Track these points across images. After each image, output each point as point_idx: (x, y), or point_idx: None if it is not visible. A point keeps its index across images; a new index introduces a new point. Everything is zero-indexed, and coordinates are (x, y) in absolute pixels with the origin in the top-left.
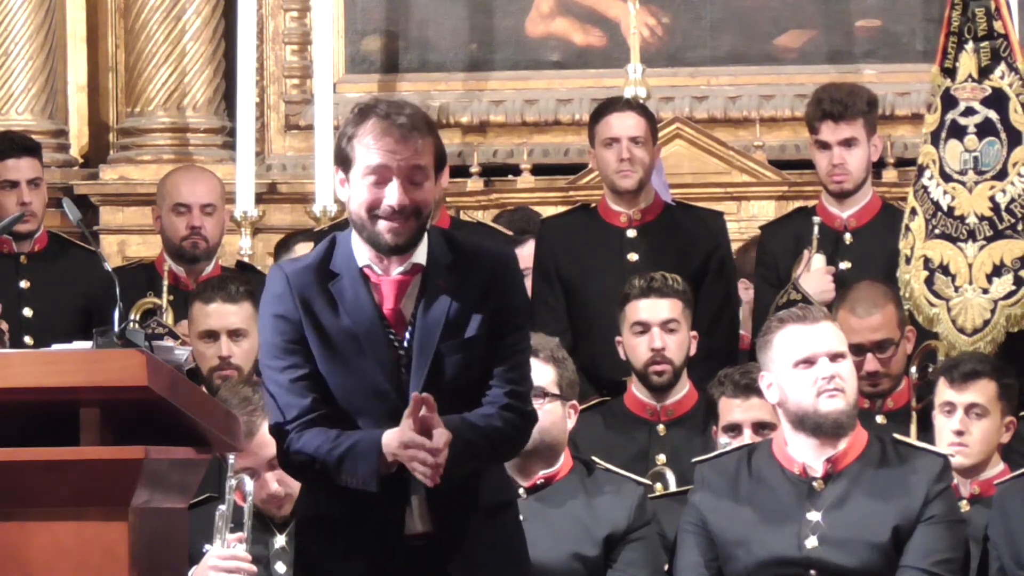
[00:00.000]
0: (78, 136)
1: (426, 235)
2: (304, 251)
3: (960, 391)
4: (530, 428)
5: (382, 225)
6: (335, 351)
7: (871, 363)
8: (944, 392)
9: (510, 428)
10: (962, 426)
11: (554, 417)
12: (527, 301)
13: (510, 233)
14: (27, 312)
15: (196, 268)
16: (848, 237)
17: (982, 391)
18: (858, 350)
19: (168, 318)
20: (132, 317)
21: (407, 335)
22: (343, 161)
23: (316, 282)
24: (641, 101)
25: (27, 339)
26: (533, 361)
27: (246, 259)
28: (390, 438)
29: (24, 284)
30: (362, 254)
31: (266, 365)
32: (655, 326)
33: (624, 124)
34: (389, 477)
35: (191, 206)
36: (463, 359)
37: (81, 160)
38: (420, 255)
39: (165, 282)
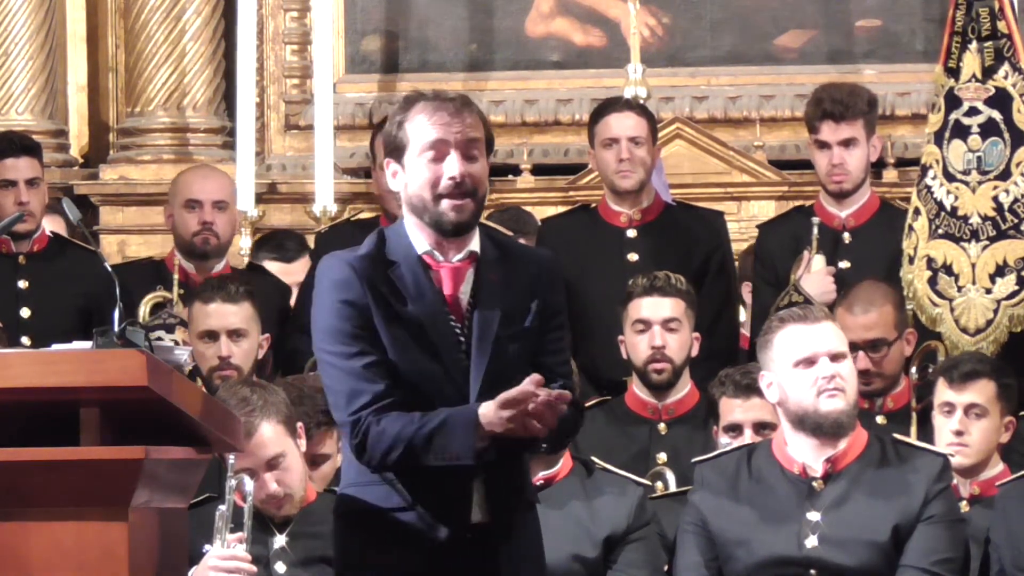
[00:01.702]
0: (78, 136)
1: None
2: (274, 270)
3: (959, 391)
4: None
5: (445, 204)
6: (404, 336)
7: (862, 361)
8: (943, 392)
9: (573, 416)
10: (961, 426)
11: None
12: (566, 303)
13: (510, 233)
14: (25, 312)
15: (207, 265)
16: (847, 236)
17: (981, 391)
18: (851, 348)
19: (179, 311)
20: (142, 309)
21: (465, 321)
22: (395, 149)
23: (377, 270)
24: (641, 101)
25: (24, 339)
26: None
27: (246, 259)
28: (487, 408)
29: (23, 284)
30: (420, 242)
31: (330, 352)
32: (656, 324)
33: (624, 124)
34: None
35: (203, 202)
36: (520, 348)
37: (81, 160)
38: (475, 243)
39: (176, 276)
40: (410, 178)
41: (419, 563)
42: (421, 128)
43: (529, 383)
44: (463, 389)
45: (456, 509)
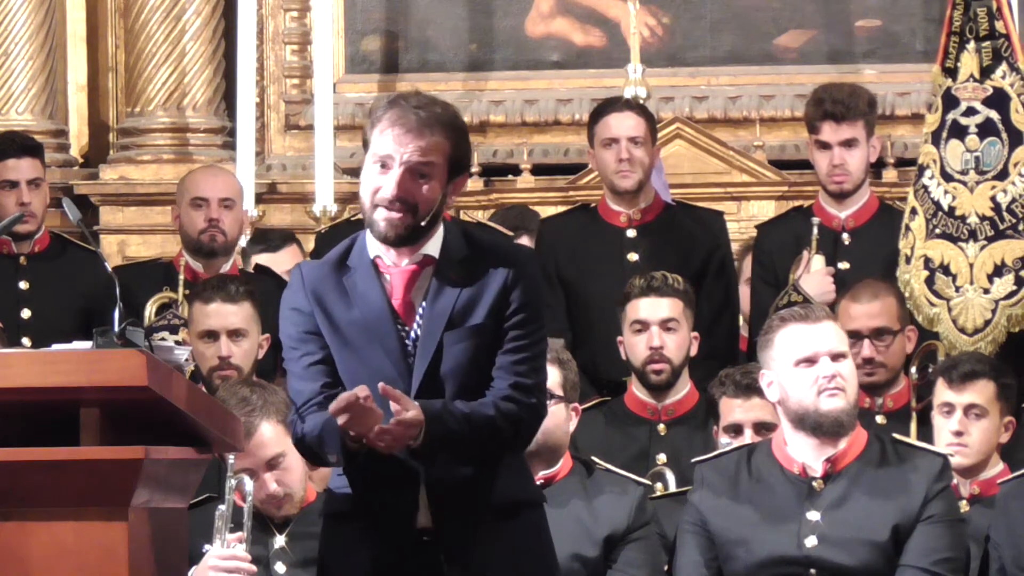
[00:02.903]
0: (78, 136)
1: (441, 228)
2: (262, 262)
3: (959, 392)
4: (535, 422)
5: (379, 214)
6: (345, 341)
7: (867, 349)
8: (943, 393)
9: (504, 419)
10: (961, 427)
11: (558, 419)
12: (541, 299)
13: (510, 233)
14: (25, 313)
15: (214, 264)
16: (846, 237)
17: (981, 391)
18: (856, 337)
19: (184, 312)
20: (149, 310)
21: (415, 325)
22: (365, 142)
23: (330, 276)
24: (641, 101)
25: (25, 340)
26: None
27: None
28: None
29: (23, 285)
30: (373, 245)
31: (285, 358)
32: (654, 325)
33: (623, 124)
34: (394, 468)
35: (209, 200)
36: (468, 348)
37: (81, 160)
38: (432, 247)
39: (181, 276)
40: (362, 177)
41: (382, 564)
42: (379, 134)
43: (357, 390)
44: (407, 392)
45: (407, 513)
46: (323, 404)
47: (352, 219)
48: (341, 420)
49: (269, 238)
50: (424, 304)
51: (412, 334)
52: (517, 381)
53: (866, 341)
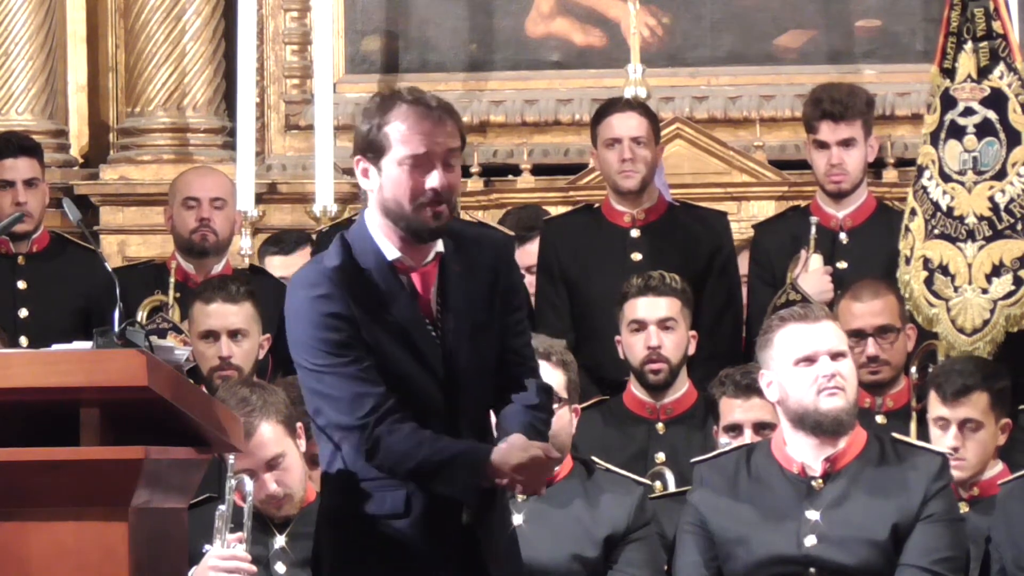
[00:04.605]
0: (78, 136)
1: None
2: (275, 264)
3: (953, 408)
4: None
5: (427, 212)
6: (387, 341)
7: (872, 347)
8: (936, 408)
9: (547, 413)
10: (956, 442)
11: (563, 421)
12: (523, 283)
13: (512, 233)
14: (23, 313)
15: (206, 264)
16: (844, 237)
17: (975, 405)
18: (859, 336)
19: (175, 315)
20: (140, 314)
21: (436, 320)
22: (371, 149)
23: (354, 280)
24: (641, 101)
25: (22, 340)
26: (545, 364)
27: (246, 259)
28: (500, 461)
29: (21, 284)
30: (389, 249)
31: (321, 366)
32: (652, 324)
33: (626, 124)
34: None
35: (200, 200)
36: (492, 333)
37: (81, 160)
38: (439, 243)
39: (172, 278)
40: (387, 182)
41: (413, 569)
42: (402, 136)
43: (542, 450)
44: (445, 387)
45: (446, 512)
46: (398, 406)
47: (353, 219)
48: (521, 477)
49: (283, 240)
50: (446, 301)
51: (439, 332)
52: (533, 366)
53: (870, 339)
